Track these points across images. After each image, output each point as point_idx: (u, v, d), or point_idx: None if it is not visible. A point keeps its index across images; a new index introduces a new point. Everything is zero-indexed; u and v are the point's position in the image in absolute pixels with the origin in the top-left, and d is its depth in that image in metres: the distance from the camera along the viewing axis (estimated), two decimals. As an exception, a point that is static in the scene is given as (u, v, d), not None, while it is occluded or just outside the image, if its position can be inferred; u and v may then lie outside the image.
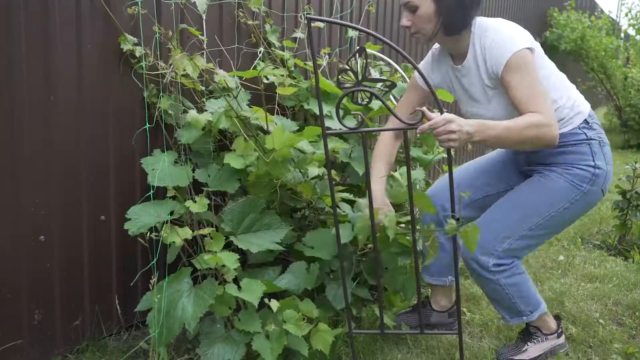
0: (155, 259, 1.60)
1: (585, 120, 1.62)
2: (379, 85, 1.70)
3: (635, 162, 2.87)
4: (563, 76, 1.65)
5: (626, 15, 8.53)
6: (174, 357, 1.67)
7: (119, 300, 1.78)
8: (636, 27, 8.34)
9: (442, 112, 1.32)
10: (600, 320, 2.05)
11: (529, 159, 1.71)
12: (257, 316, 1.57)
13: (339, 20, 1.70)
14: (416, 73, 1.72)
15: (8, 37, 1.44)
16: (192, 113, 1.69)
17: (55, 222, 1.61)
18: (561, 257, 2.72)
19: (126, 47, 1.65)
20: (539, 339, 1.77)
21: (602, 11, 10.45)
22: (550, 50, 7.70)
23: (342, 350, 1.76)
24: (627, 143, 7.00)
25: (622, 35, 10.77)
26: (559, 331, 1.80)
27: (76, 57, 1.59)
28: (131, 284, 1.81)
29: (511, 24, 1.57)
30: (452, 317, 1.96)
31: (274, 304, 1.56)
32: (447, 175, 1.80)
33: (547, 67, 1.59)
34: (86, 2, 1.60)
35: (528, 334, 1.78)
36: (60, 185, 1.60)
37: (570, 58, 8.05)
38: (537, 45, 1.56)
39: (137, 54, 1.67)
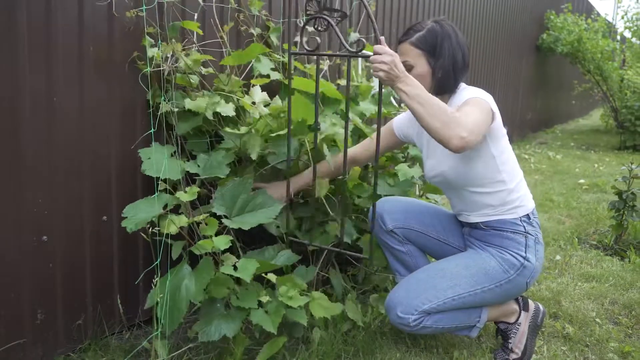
0: (159, 259, 1.61)
1: (528, 215, 1.71)
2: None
3: (631, 163, 2.90)
4: (517, 167, 1.75)
5: (622, 18, 8.59)
6: (174, 358, 1.69)
7: (121, 300, 1.80)
8: (632, 29, 8.39)
9: (379, 43, 1.48)
10: (597, 320, 2.07)
11: (470, 232, 1.80)
12: (254, 292, 1.61)
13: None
14: (394, 122, 1.89)
15: (10, 38, 1.46)
16: (188, 100, 1.73)
17: (58, 222, 1.62)
18: (558, 257, 2.75)
19: (150, 52, 1.66)
20: (513, 330, 1.79)
21: (598, 14, 10.51)
22: (547, 52, 7.76)
23: (341, 349, 1.78)
24: (623, 144, 7.04)
25: (619, 37, 10.84)
26: (522, 305, 1.81)
27: (78, 58, 1.61)
28: (135, 283, 1.83)
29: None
30: None
31: (272, 277, 1.61)
32: (406, 199, 1.94)
33: (507, 152, 1.70)
34: (88, 3, 1.61)
35: (503, 333, 1.81)
36: (62, 186, 1.62)
37: (567, 60, 8.10)
38: (499, 117, 1.65)
39: (150, 55, 1.68)
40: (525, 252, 1.67)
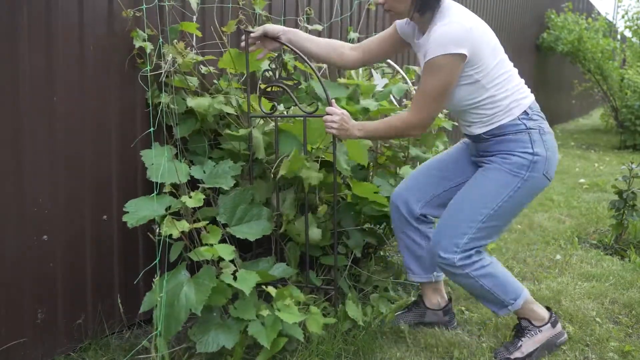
0: (157, 259, 1.62)
1: (525, 111, 1.69)
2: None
3: (632, 163, 2.90)
4: (509, 66, 1.72)
5: (622, 17, 8.58)
6: (175, 357, 1.69)
7: (121, 299, 1.80)
8: (632, 29, 8.38)
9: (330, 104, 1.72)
10: (597, 319, 2.07)
11: (477, 148, 1.79)
12: (252, 304, 1.62)
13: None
14: (397, 22, 1.81)
15: (11, 37, 1.46)
16: (190, 99, 1.75)
17: (58, 221, 1.62)
18: (558, 256, 2.75)
19: (138, 43, 1.68)
20: (532, 332, 1.79)
21: (598, 13, 10.50)
22: (548, 51, 7.75)
23: (342, 349, 1.78)
24: (624, 144, 7.04)
25: (619, 37, 10.83)
26: (552, 320, 1.82)
27: (78, 57, 1.61)
28: (135, 282, 1.83)
29: (467, 19, 1.60)
30: (447, 315, 1.98)
31: (272, 290, 1.64)
32: (413, 173, 1.97)
33: (499, 67, 1.66)
34: (88, 3, 1.61)
35: (521, 329, 1.81)
36: (63, 185, 1.62)
37: (567, 59, 8.10)
38: (483, 40, 1.61)
39: (148, 50, 1.68)
40: (533, 148, 1.66)
